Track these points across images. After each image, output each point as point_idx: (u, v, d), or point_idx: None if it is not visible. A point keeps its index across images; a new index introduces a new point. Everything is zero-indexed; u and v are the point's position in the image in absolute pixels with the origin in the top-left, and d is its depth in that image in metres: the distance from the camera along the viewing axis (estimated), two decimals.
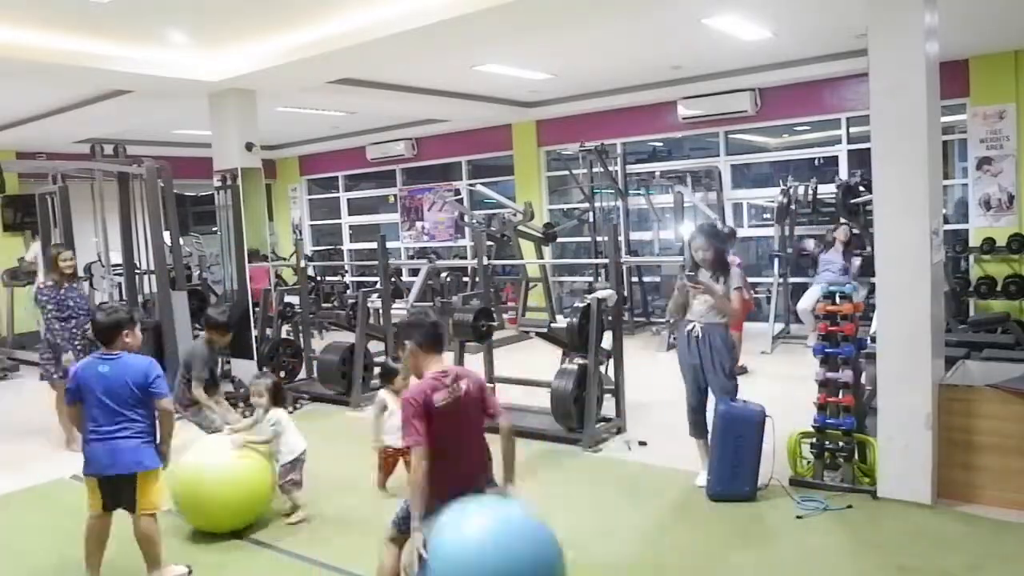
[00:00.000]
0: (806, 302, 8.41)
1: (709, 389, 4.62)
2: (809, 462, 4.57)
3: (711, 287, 4.49)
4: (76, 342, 5.99)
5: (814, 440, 4.52)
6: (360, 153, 14.02)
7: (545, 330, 6.30)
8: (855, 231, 8.52)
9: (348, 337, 7.65)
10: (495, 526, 2.77)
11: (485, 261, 6.96)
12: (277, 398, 4.55)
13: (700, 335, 4.55)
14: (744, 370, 7.45)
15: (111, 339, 3.64)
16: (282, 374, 7.55)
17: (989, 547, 3.69)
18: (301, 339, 7.92)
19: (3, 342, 10.69)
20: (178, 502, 4.29)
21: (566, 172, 11.18)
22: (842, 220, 8.58)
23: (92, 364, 3.64)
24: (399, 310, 9.77)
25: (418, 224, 13.80)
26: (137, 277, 7.77)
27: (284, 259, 12.68)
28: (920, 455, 4.14)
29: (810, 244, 8.78)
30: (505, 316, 9.65)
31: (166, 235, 7.42)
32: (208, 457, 4.32)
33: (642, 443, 5.56)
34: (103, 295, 7.83)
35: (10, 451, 6.23)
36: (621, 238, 10.01)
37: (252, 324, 7.83)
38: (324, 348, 7.39)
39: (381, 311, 7.45)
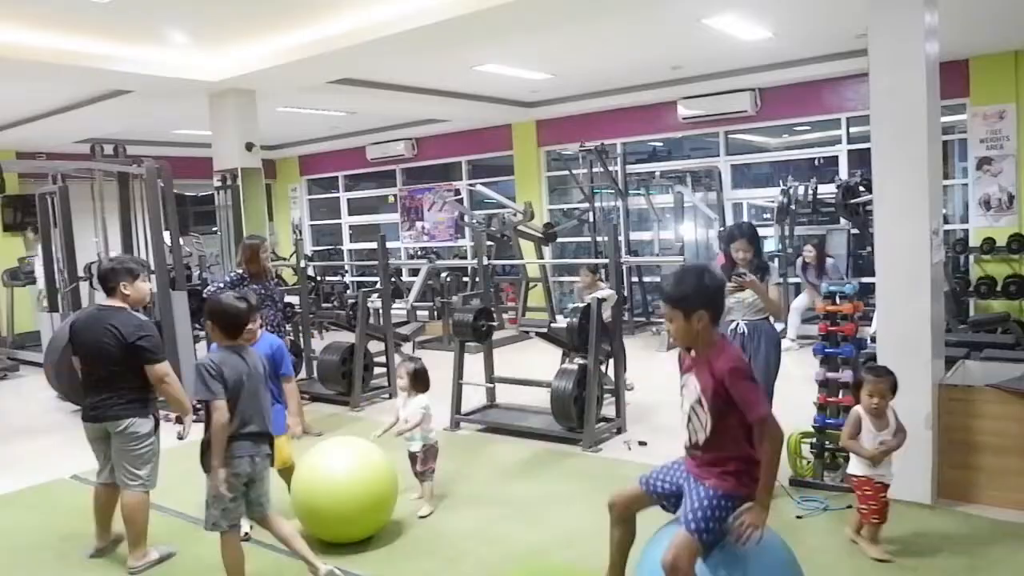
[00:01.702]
0: (800, 301, 8.52)
1: None
2: (809, 462, 4.57)
3: (756, 284, 4.46)
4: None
5: (814, 440, 4.52)
6: (360, 153, 14.03)
7: (545, 330, 6.30)
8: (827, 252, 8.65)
9: (348, 337, 7.65)
10: None
11: (485, 261, 6.97)
12: (423, 383, 4.50)
13: (747, 331, 4.53)
14: None
15: None
16: None
17: (989, 547, 3.68)
18: (301, 339, 7.92)
19: (3, 342, 10.69)
20: (296, 509, 4.06)
21: (566, 172, 11.18)
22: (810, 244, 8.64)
23: None
24: (399, 310, 9.83)
25: (418, 224, 13.80)
26: None
27: (284, 259, 12.68)
28: (920, 455, 4.14)
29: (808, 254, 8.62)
30: (505, 316, 9.67)
31: (166, 235, 7.42)
32: (324, 459, 4.05)
33: (642, 443, 5.56)
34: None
35: (10, 451, 6.24)
36: (621, 238, 10.01)
37: None
38: (324, 348, 7.38)
39: (381, 311, 7.45)
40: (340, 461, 4.01)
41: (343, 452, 4.09)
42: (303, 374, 7.83)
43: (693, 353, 2.78)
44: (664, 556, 2.58)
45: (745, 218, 10.71)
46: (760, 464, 2.63)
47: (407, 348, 9.01)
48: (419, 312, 10.88)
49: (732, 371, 2.61)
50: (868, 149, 4.39)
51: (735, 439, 2.67)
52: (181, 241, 7.97)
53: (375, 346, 7.46)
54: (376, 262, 7.60)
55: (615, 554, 3.07)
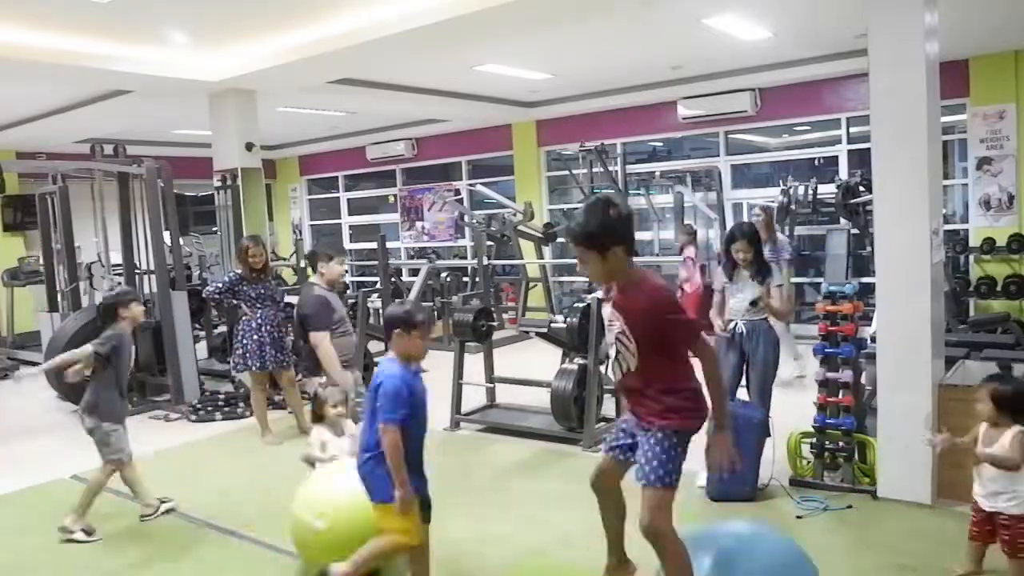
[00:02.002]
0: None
1: (748, 387, 4.60)
2: (809, 462, 4.57)
3: (770, 306, 4.51)
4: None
5: (814, 440, 4.51)
6: (360, 153, 14.03)
7: (545, 330, 6.30)
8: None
9: None
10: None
11: (485, 261, 6.97)
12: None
13: (745, 331, 4.55)
14: None
15: None
16: None
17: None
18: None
19: (3, 342, 10.69)
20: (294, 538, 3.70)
21: (566, 172, 11.18)
22: (759, 207, 7.63)
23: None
24: None
25: (418, 224, 13.80)
26: (137, 277, 7.77)
27: (284, 259, 12.68)
28: (920, 455, 4.14)
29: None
30: (505, 316, 9.67)
31: (166, 235, 7.42)
32: (331, 483, 3.59)
33: None
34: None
35: (10, 451, 6.24)
36: None
37: None
38: None
39: (381, 311, 7.45)
40: (334, 491, 3.55)
41: (336, 480, 3.62)
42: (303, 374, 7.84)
43: (615, 289, 2.77)
44: (641, 522, 2.63)
45: (745, 218, 10.70)
46: (699, 394, 2.72)
47: None
48: None
49: (661, 308, 2.64)
50: (868, 149, 4.39)
51: (665, 371, 2.71)
52: (181, 241, 7.97)
53: (375, 346, 7.46)
54: (376, 262, 7.60)
55: (612, 531, 3.11)
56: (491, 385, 6.53)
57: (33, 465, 5.74)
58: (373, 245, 7.96)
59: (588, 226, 2.64)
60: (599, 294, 5.65)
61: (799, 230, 9.39)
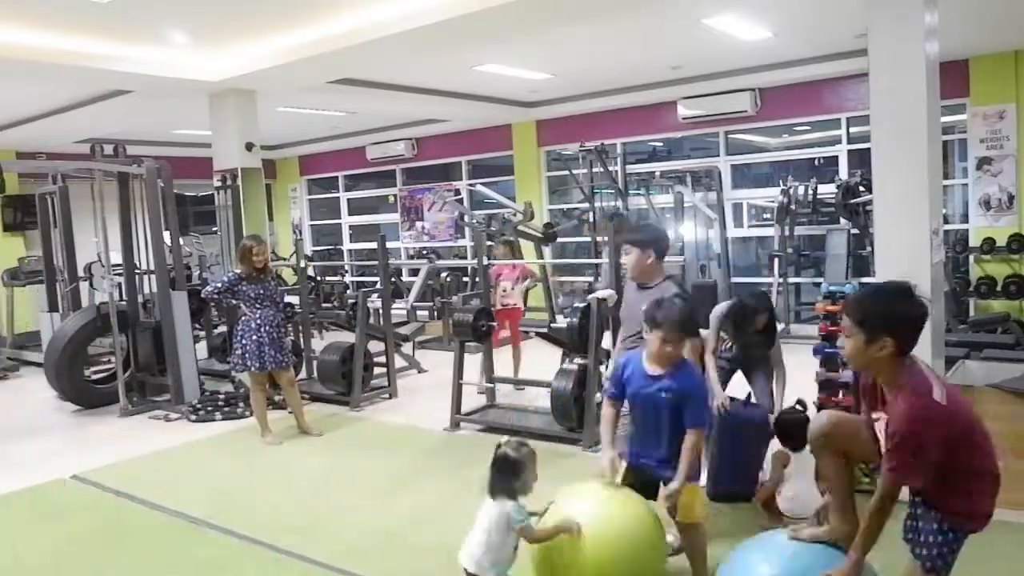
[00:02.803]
0: None
1: (752, 389, 4.61)
2: None
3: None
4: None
5: None
6: (360, 153, 14.03)
7: (545, 330, 6.30)
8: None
9: (348, 337, 7.66)
10: None
11: (485, 261, 6.96)
12: None
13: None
14: None
15: None
16: None
17: (989, 547, 3.67)
18: (301, 339, 7.92)
19: (3, 342, 10.68)
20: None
21: (566, 172, 11.18)
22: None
23: None
24: (399, 310, 9.84)
25: (418, 224, 13.80)
26: (137, 277, 7.77)
27: (284, 259, 12.68)
28: None
29: None
30: None
31: (166, 235, 7.42)
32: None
33: None
34: (103, 295, 7.84)
35: (10, 451, 6.24)
36: None
37: None
38: (324, 348, 7.39)
39: (381, 311, 7.46)
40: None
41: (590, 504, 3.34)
42: (303, 374, 7.85)
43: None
44: None
45: (745, 218, 10.70)
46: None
47: (407, 348, 9.01)
48: (419, 312, 10.87)
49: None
50: (868, 149, 4.40)
51: None
52: (181, 241, 7.97)
53: (375, 346, 7.46)
54: (376, 262, 7.59)
55: None
56: (491, 385, 6.53)
57: (33, 465, 5.75)
58: (373, 245, 7.93)
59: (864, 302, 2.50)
60: (599, 294, 5.67)
61: (799, 230, 9.39)
